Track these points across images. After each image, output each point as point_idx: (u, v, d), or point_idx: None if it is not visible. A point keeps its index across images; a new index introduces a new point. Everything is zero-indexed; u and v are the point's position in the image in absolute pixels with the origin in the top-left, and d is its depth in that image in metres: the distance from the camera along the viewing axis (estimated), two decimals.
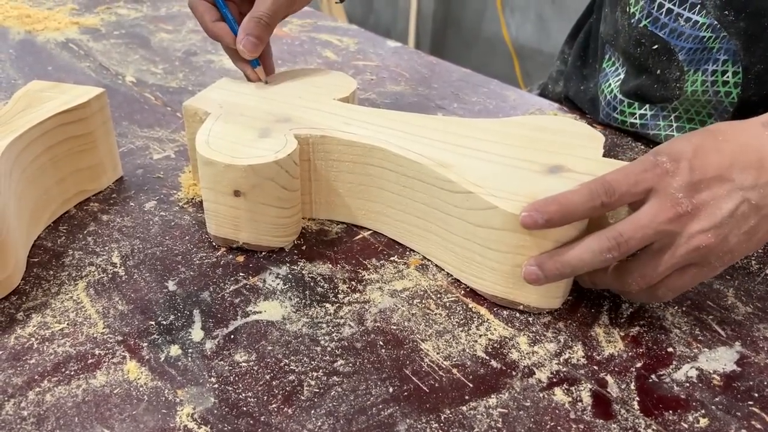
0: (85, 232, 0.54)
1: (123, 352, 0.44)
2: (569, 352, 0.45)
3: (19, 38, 0.89)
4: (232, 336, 0.45)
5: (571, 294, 0.50)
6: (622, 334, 0.46)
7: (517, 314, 0.48)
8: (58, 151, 0.54)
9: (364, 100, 0.77)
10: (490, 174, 0.47)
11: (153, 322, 0.46)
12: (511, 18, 2.64)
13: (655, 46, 0.64)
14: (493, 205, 0.44)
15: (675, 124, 0.67)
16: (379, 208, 0.53)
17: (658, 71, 0.65)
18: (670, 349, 0.45)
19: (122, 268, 0.51)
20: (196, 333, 0.45)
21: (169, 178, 0.61)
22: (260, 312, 0.47)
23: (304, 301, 0.48)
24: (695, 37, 0.61)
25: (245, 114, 0.54)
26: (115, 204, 0.58)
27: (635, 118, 0.69)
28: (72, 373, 0.42)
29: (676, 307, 0.49)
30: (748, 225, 0.41)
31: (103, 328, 0.45)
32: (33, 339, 0.44)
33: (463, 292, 0.50)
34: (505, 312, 0.48)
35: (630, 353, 0.45)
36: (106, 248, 0.53)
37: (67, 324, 0.45)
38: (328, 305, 0.48)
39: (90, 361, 0.43)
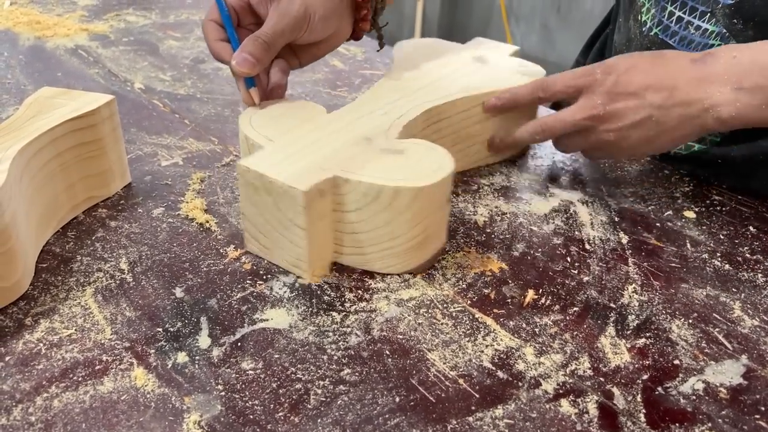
0: (93, 238, 0.55)
1: (130, 358, 0.44)
2: (575, 364, 0.45)
3: (29, 44, 0.90)
4: (239, 343, 0.45)
5: (578, 305, 0.50)
6: (629, 345, 0.46)
7: (524, 324, 0.48)
8: (68, 158, 0.55)
9: None
10: None
11: (160, 329, 0.46)
12: (516, 27, 2.65)
13: None
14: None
15: None
16: None
17: None
18: (676, 362, 0.45)
19: (130, 274, 0.51)
20: (204, 340, 0.45)
21: (177, 185, 0.62)
22: (267, 320, 0.47)
23: (310, 309, 0.48)
24: (704, 45, 0.61)
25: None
26: (123, 210, 0.58)
27: None
28: (79, 379, 0.42)
29: (682, 320, 0.49)
30: (648, 133, 0.53)
31: (111, 334, 0.45)
32: (41, 344, 0.44)
33: (469, 302, 0.50)
34: (511, 322, 0.48)
35: (636, 365, 0.45)
36: (114, 254, 0.53)
37: (75, 330, 0.46)
38: (334, 314, 0.48)
39: (97, 367, 0.43)
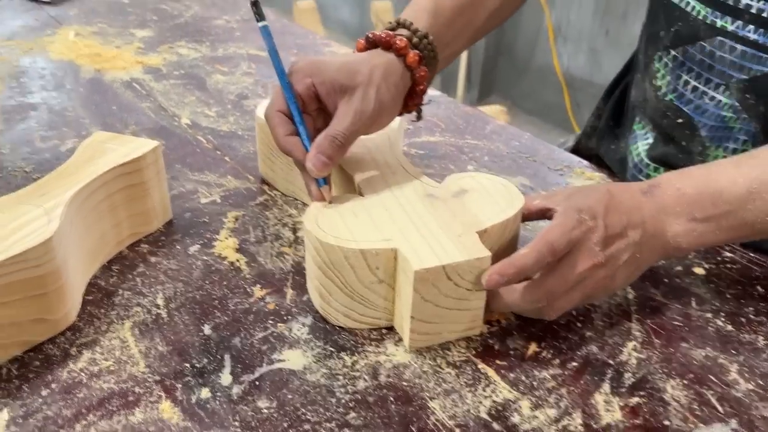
0: (135, 273, 0.60)
1: (159, 391, 0.49)
2: (568, 419, 0.48)
3: (89, 76, 0.97)
4: (257, 382, 0.49)
5: (577, 360, 0.53)
6: (622, 404, 0.49)
7: (523, 377, 0.51)
8: (116, 199, 0.60)
9: None
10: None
11: (188, 365, 0.51)
12: (563, 48, 2.65)
13: (680, 120, 0.66)
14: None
15: None
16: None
17: (683, 143, 0.67)
18: (666, 422, 0.48)
19: (165, 310, 0.56)
20: (225, 377, 0.50)
21: (213, 222, 0.67)
22: (284, 360, 0.51)
23: (324, 351, 0.52)
24: (717, 115, 0.63)
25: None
26: (163, 246, 0.63)
27: None
28: (114, 408, 0.47)
29: (678, 380, 0.51)
30: (629, 270, 0.54)
31: (144, 367, 0.50)
32: (83, 374, 0.50)
33: (474, 351, 0.53)
34: (512, 374, 0.51)
35: (627, 424, 0.47)
36: (152, 290, 0.58)
37: (113, 362, 0.51)
38: (346, 357, 0.52)
39: (130, 398, 0.48)
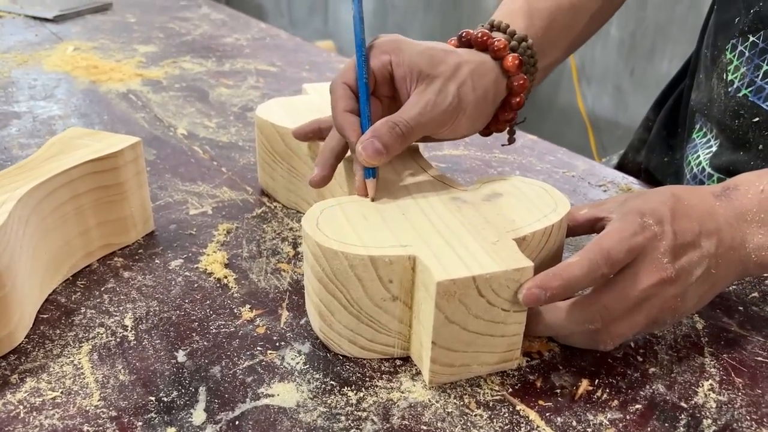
0: (103, 289, 0.50)
1: (114, 430, 0.38)
2: None
3: (83, 87, 0.90)
4: (237, 422, 0.39)
5: (641, 402, 0.42)
6: None
7: (574, 422, 0.40)
8: (84, 201, 0.51)
9: None
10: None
11: (153, 398, 0.41)
12: (588, 89, 2.58)
13: (756, 119, 0.56)
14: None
15: None
16: None
17: (760, 146, 0.57)
18: None
19: (133, 332, 0.46)
20: (198, 415, 0.40)
21: (201, 235, 0.57)
22: (273, 395, 0.41)
23: (324, 386, 0.42)
24: None
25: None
26: (139, 260, 0.54)
27: None
28: None
29: None
30: (703, 289, 0.44)
31: (98, 400, 0.40)
32: (21, 407, 0.40)
33: (510, 389, 0.42)
34: (559, 418, 0.40)
35: None
36: (121, 308, 0.48)
37: (61, 392, 0.41)
38: (350, 393, 0.41)
39: None
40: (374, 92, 0.49)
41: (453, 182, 0.50)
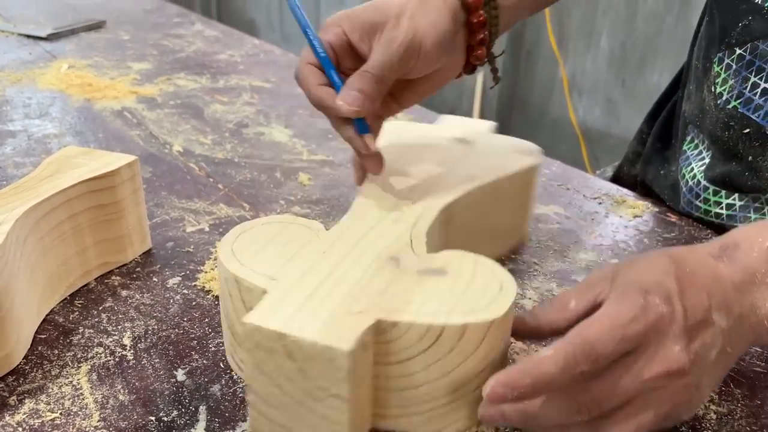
0: (101, 308, 0.50)
1: None
2: None
3: (78, 105, 0.90)
4: None
5: None
6: None
7: None
8: (82, 220, 0.51)
9: None
10: None
11: (153, 418, 0.41)
12: (579, 100, 2.60)
13: (747, 130, 0.57)
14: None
15: None
16: None
17: (750, 158, 0.58)
18: None
19: (131, 351, 0.46)
20: None
21: (199, 252, 0.57)
22: None
23: None
24: None
25: None
26: (137, 278, 0.54)
27: (721, 208, 0.62)
28: None
29: None
30: (717, 372, 0.38)
31: (98, 421, 0.40)
32: (20, 429, 0.39)
33: None
34: None
35: None
36: (119, 327, 0.48)
37: (60, 413, 0.41)
38: None
39: None
40: (339, 68, 0.50)
41: (420, 245, 0.44)
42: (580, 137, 2.60)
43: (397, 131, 0.61)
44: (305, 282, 0.39)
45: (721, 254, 0.40)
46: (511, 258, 0.58)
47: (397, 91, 0.52)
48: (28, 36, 1.20)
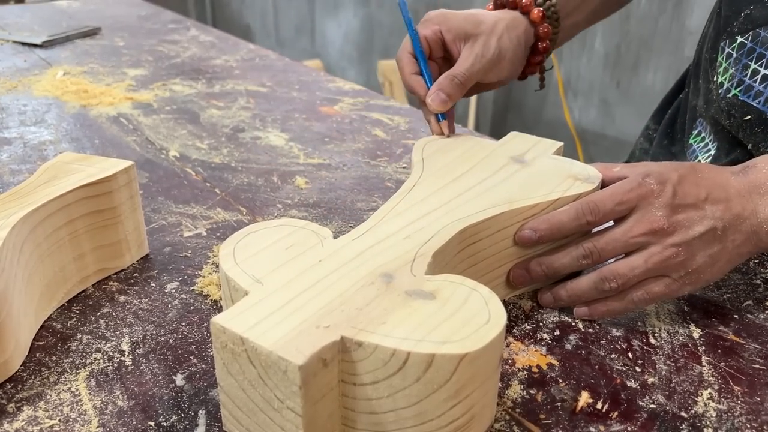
0: (99, 314, 0.50)
1: None
2: None
3: (74, 112, 0.89)
4: None
5: (642, 413, 0.42)
6: None
7: None
8: (79, 226, 0.51)
9: None
10: None
11: (153, 423, 0.40)
12: (574, 102, 2.60)
13: (747, 117, 0.58)
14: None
15: None
16: None
17: (750, 145, 0.58)
18: None
19: (130, 356, 0.46)
20: None
21: (197, 257, 0.57)
22: None
23: None
24: None
25: None
26: (135, 284, 0.54)
27: None
28: None
29: None
30: (712, 250, 0.46)
31: (97, 427, 0.40)
32: None
33: (510, 403, 0.42)
34: None
35: None
36: (117, 333, 0.48)
37: (59, 420, 0.40)
38: None
39: None
40: (431, 56, 0.63)
41: (421, 264, 0.42)
42: (575, 138, 2.60)
43: (456, 143, 0.59)
44: (287, 289, 0.38)
45: (740, 171, 0.48)
46: None
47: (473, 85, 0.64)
48: (23, 43, 1.20)
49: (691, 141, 0.68)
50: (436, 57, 0.63)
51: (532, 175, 0.53)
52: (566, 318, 0.50)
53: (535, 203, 0.49)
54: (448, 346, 0.34)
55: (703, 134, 0.66)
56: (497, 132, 2.76)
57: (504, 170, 0.54)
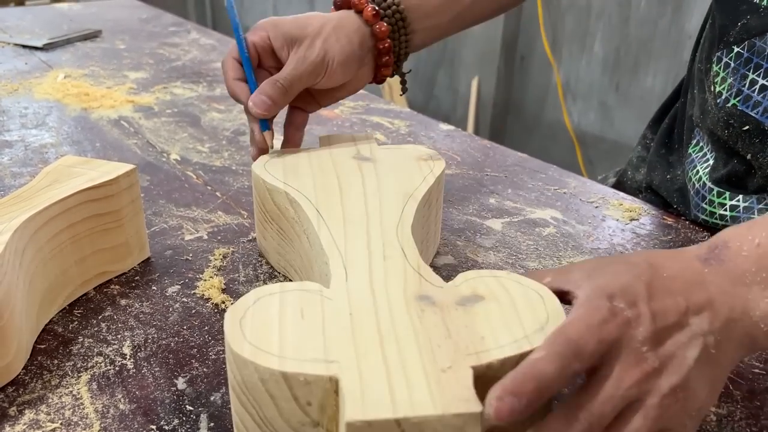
0: (100, 317, 0.50)
1: None
2: None
3: (75, 115, 0.90)
4: None
5: None
6: None
7: None
8: (81, 230, 0.51)
9: None
10: None
11: (154, 427, 0.40)
12: (573, 105, 2.61)
13: (746, 127, 0.57)
14: None
15: None
16: None
17: (749, 155, 0.58)
18: None
19: (131, 360, 0.46)
20: None
21: (198, 261, 0.57)
22: None
23: None
24: None
25: None
26: (136, 287, 0.54)
27: (725, 210, 0.62)
28: None
29: None
30: (710, 373, 0.36)
31: (99, 430, 0.40)
32: None
33: None
34: None
35: None
36: (119, 336, 0.48)
37: (61, 423, 0.41)
38: None
39: None
40: (261, 65, 0.59)
41: (430, 275, 0.41)
42: (574, 141, 2.61)
43: (293, 159, 0.57)
44: (364, 353, 0.34)
45: (710, 255, 0.39)
46: (508, 263, 0.58)
47: (316, 93, 0.62)
48: (24, 46, 1.20)
49: (690, 151, 0.67)
50: (268, 66, 0.60)
51: (392, 168, 0.55)
52: None
53: (428, 188, 0.52)
54: (550, 326, 0.35)
55: (701, 144, 0.66)
56: (496, 135, 2.76)
57: (365, 170, 0.55)
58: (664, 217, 0.67)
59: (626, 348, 0.34)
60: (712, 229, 0.64)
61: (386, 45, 0.60)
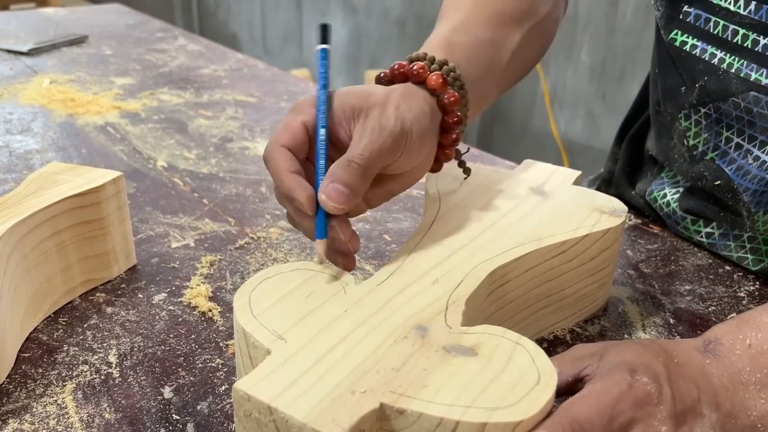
0: (85, 325, 0.50)
1: None
2: None
3: (60, 121, 0.89)
4: None
5: None
6: None
7: None
8: (66, 237, 0.51)
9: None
10: None
11: None
12: (560, 113, 2.63)
13: (718, 182, 0.58)
14: None
15: (749, 245, 0.60)
16: None
17: (723, 201, 0.59)
18: None
19: (117, 368, 0.46)
20: None
21: (184, 268, 0.57)
22: None
23: None
24: (761, 178, 0.55)
25: None
26: (122, 295, 0.53)
27: (701, 237, 0.63)
28: None
29: None
30: None
31: None
32: None
33: None
34: None
35: None
36: (104, 345, 0.48)
37: None
38: None
39: None
40: (308, 156, 0.45)
41: (454, 313, 0.39)
42: (561, 150, 2.62)
43: (472, 174, 0.54)
44: (314, 346, 0.35)
45: (706, 349, 0.39)
46: None
47: (371, 187, 0.44)
48: (9, 51, 1.19)
49: (663, 174, 0.67)
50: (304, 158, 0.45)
51: (555, 209, 0.50)
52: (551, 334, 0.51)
53: (564, 240, 0.46)
54: (500, 413, 0.31)
55: (673, 171, 0.66)
56: (484, 144, 2.77)
57: (526, 203, 0.50)
58: (650, 225, 0.67)
59: (642, 423, 0.33)
60: (697, 244, 0.64)
61: (456, 118, 0.46)
